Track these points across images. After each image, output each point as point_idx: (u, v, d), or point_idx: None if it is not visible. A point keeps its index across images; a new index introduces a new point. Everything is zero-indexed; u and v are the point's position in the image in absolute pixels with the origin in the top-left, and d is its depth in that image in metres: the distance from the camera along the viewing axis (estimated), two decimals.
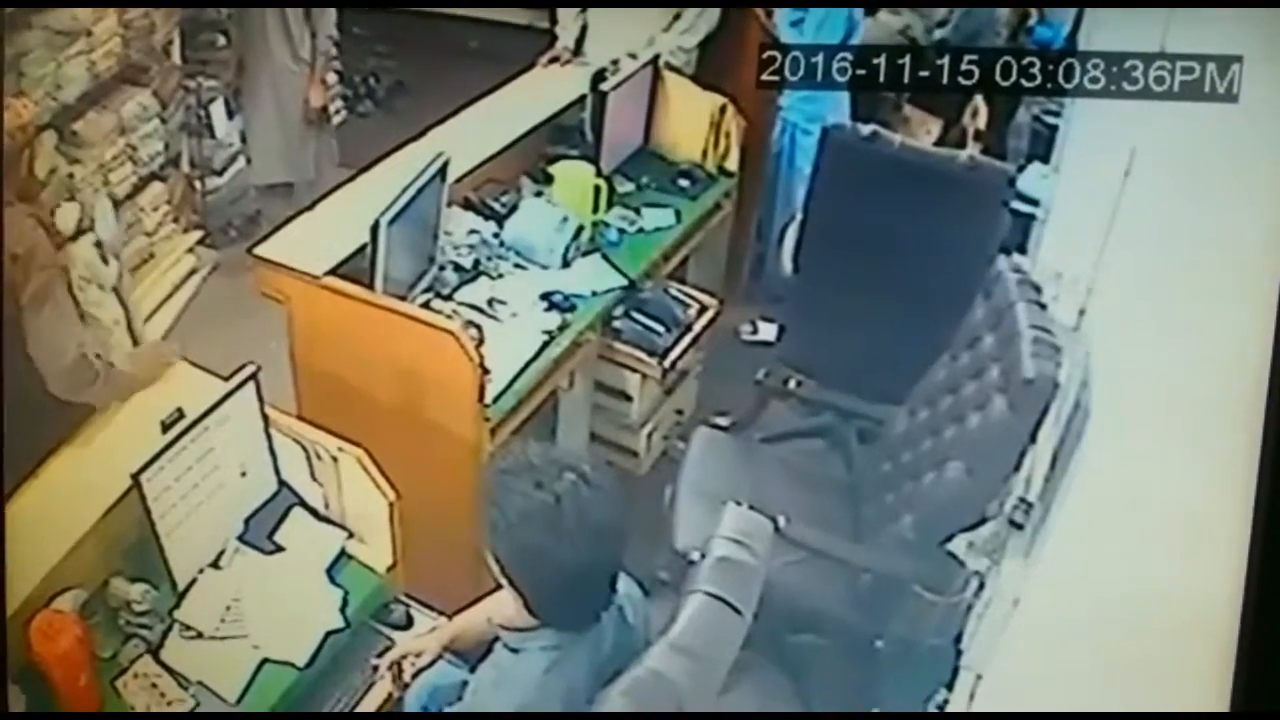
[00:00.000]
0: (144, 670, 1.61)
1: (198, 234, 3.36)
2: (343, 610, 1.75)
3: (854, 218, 2.52)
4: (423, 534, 1.87)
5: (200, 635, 1.67)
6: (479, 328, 2.30)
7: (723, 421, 2.46)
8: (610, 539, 1.32)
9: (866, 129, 2.49)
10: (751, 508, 1.57)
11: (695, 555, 1.56)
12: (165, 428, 1.63)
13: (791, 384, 2.44)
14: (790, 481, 2.34)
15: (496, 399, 2.19)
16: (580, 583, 1.33)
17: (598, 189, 2.66)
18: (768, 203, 3.25)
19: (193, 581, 1.72)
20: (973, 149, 2.92)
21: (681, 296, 2.72)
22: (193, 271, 3.31)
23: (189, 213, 3.33)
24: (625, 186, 2.84)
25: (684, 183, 2.87)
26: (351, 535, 1.85)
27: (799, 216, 2.75)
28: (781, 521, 1.90)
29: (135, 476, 1.56)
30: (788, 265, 2.96)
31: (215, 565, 1.76)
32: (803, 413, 2.55)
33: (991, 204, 2.40)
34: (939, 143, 2.95)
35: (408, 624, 1.81)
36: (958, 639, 1.98)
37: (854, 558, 2.12)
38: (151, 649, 1.64)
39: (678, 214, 2.79)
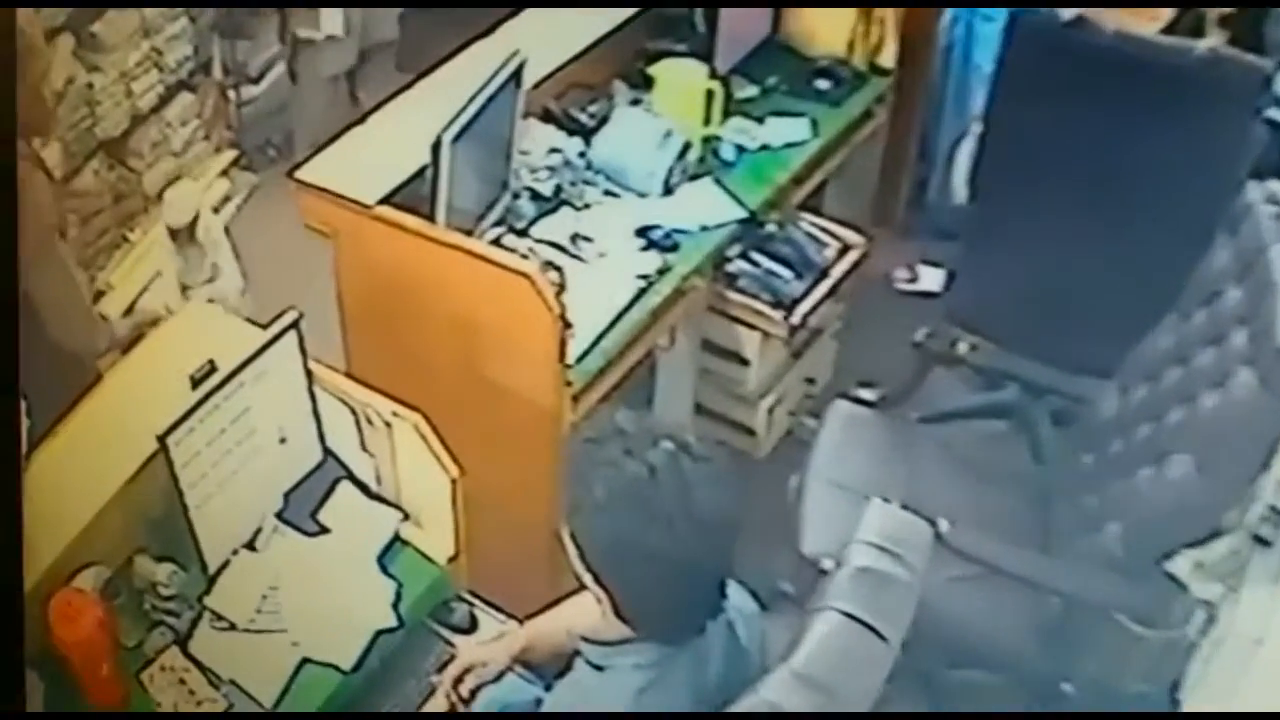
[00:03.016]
0: (171, 663, 1.75)
1: (232, 154, 3.54)
2: (395, 606, 1.84)
3: (1050, 131, 2.46)
4: (491, 519, 1.94)
5: (233, 627, 1.79)
6: (560, 270, 2.35)
7: (869, 395, 2.46)
8: (718, 528, 1.34)
9: (1068, 13, 2.41)
10: (904, 506, 1.56)
11: (828, 563, 1.57)
12: (195, 383, 1.73)
13: (962, 348, 2.41)
14: (957, 474, 2.33)
15: (581, 359, 2.23)
16: (680, 581, 1.35)
17: (710, 94, 2.65)
18: (935, 111, 3.19)
19: (225, 564, 1.84)
20: (1215, 38, 2.77)
21: (817, 233, 2.71)
22: (226, 199, 3.50)
23: (222, 128, 3.51)
24: (746, 90, 2.82)
25: (823, 84, 2.83)
26: (407, 517, 1.94)
27: (977, 129, 2.72)
28: (944, 525, 1.89)
29: (162, 439, 1.67)
30: (961, 192, 2.92)
31: (250, 547, 1.88)
32: (976, 386, 2.53)
33: (1239, 112, 2.33)
34: (1169, 30, 2.81)
35: (471, 627, 1.89)
36: (1174, 687, 1.95)
37: (1039, 576, 2.10)
38: (179, 639, 1.77)
39: (814, 125, 2.76)
